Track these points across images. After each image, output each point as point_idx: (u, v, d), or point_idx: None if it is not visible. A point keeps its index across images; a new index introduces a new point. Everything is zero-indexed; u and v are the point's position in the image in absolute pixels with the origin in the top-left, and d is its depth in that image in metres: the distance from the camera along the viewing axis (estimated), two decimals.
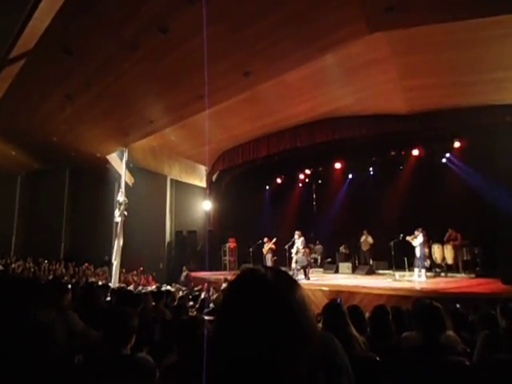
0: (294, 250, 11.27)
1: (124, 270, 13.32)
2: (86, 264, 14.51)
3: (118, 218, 12.27)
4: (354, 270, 12.13)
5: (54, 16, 6.23)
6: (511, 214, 8.30)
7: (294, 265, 11.07)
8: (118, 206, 12.29)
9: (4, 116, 10.54)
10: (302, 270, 10.77)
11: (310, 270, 11.50)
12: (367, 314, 3.34)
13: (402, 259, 10.33)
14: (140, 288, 9.66)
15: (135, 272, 14.14)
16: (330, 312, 2.55)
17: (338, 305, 2.62)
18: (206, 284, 10.32)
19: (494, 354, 2.42)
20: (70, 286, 4.24)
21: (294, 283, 0.74)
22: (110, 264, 15.03)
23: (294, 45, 6.98)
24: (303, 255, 11.02)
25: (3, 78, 8.29)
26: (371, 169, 14.18)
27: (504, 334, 2.98)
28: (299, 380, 0.64)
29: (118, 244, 12.19)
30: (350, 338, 2.38)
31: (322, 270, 13.44)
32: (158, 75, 8.24)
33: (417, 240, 9.60)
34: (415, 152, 12.19)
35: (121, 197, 12.26)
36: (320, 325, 2.53)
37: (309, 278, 10.66)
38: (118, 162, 13.71)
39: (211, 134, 12.09)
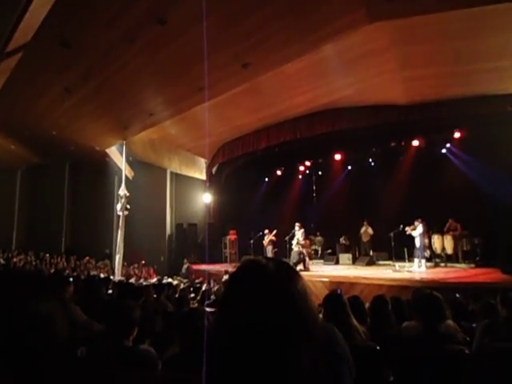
0: (294, 242, 11.29)
1: (125, 264, 13.38)
2: (88, 257, 14.56)
3: (119, 212, 12.33)
4: (355, 260, 12.18)
5: (50, 8, 6.17)
6: (511, 205, 8.31)
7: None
8: (119, 199, 12.33)
9: (3, 110, 10.50)
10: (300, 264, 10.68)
11: (310, 262, 11.53)
12: (367, 305, 3.36)
13: (402, 250, 10.36)
14: (141, 281, 9.73)
15: (136, 265, 14.20)
16: (331, 302, 2.57)
17: (339, 295, 2.63)
18: (207, 276, 10.38)
19: (494, 343, 2.44)
20: (71, 279, 4.27)
21: (296, 274, 0.74)
22: (111, 257, 15.11)
23: (293, 35, 6.92)
24: (299, 248, 10.98)
25: (1, 71, 8.24)
26: (371, 160, 14.15)
27: (504, 323, 3.00)
28: (301, 370, 0.65)
29: (120, 237, 12.26)
30: (351, 328, 2.40)
31: (322, 261, 13.49)
32: (156, 67, 8.19)
33: (416, 231, 9.62)
34: (415, 143, 12.14)
35: (122, 190, 12.28)
36: (321, 315, 2.55)
37: (308, 269, 10.68)
38: (117, 156, 13.71)
39: (211, 127, 12.05)
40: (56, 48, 7.24)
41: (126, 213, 12.28)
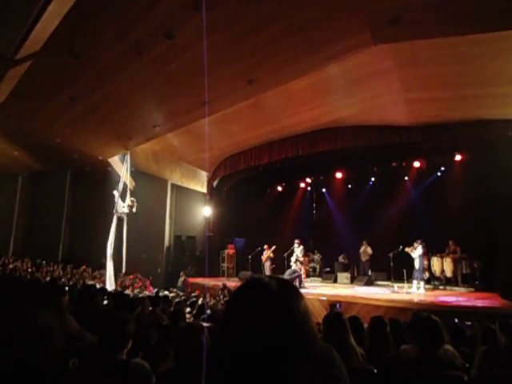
0: (293, 259, 11.21)
1: (121, 274, 13.23)
2: (84, 266, 14.44)
3: (114, 211, 12.16)
4: (353, 280, 12.08)
5: (61, 19, 6.28)
6: (511, 229, 8.28)
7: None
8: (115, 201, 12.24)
9: (8, 116, 10.57)
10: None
11: (307, 279, 11.39)
12: (365, 325, 3.32)
13: (401, 271, 10.27)
14: (137, 292, 9.63)
15: (133, 276, 14.05)
16: (331, 321, 2.53)
17: (339, 313, 2.60)
18: (204, 290, 10.27)
19: (493, 370, 2.41)
20: (67, 288, 4.24)
21: (298, 293, 0.74)
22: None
23: (299, 54, 7.03)
24: (297, 266, 10.84)
25: (9, 78, 8.33)
26: (372, 179, 14.19)
27: (503, 349, 2.96)
28: None
29: (110, 242, 12.02)
30: (349, 349, 2.36)
31: (320, 279, 13.39)
32: (162, 80, 8.28)
33: (416, 252, 9.56)
34: (416, 164, 12.21)
35: (117, 192, 12.24)
36: (320, 334, 2.51)
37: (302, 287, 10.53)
38: (119, 166, 13.74)
39: (214, 140, 12.13)
40: (64, 58, 7.33)
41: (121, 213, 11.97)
